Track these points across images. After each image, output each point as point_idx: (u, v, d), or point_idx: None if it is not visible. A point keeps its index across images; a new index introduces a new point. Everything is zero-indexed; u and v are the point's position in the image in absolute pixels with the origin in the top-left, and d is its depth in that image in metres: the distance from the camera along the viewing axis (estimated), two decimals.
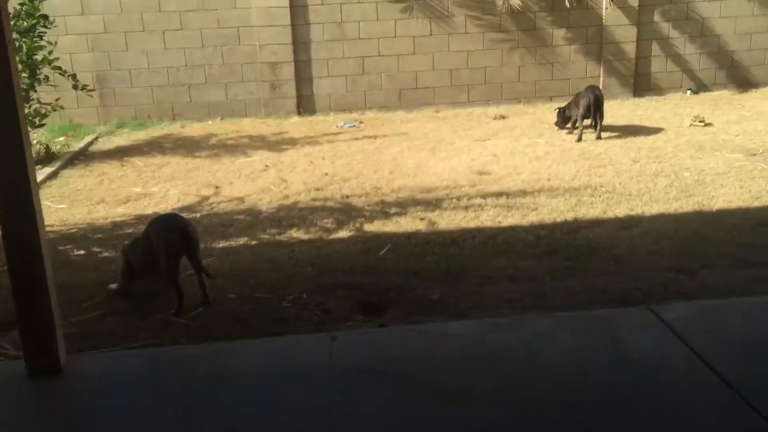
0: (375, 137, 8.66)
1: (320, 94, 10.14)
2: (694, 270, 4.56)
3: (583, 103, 8.05)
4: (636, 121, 9.00)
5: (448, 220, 5.66)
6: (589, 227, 5.41)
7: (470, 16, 10.06)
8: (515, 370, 3.24)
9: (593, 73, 10.45)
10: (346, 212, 5.98)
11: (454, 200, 6.13)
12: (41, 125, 7.97)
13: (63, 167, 7.76)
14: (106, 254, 5.22)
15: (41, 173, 7.34)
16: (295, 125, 9.52)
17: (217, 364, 3.43)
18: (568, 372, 3.20)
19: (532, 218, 5.65)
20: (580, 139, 8.04)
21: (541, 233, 5.31)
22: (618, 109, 9.65)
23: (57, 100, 8.07)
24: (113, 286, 4.49)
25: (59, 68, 7.88)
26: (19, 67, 7.40)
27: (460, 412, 2.91)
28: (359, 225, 5.65)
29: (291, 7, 9.70)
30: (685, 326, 3.50)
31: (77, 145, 8.64)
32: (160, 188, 6.93)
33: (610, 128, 8.44)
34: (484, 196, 6.22)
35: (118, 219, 6.05)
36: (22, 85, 7.41)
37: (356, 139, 8.62)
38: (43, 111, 7.81)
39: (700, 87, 10.73)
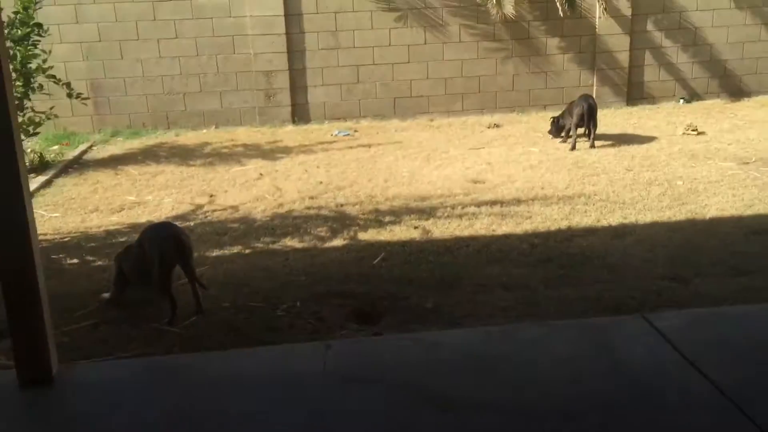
0: (369, 146, 8.67)
1: (315, 103, 10.16)
2: (688, 278, 4.57)
3: (576, 111, 8.08)
4: (629, 130, 9.04)
5: (442, 229, 5.67)
6: (582, 235, 5.43)
7: (464, 25, 10.10)
8: (509, 378, 3.24)
9: (587, 81, 10.49)
10: (340, 221, 5.98)
11: (449, 209, 6.14)
12: (35, 134, 7.95)
13: (57, 176, 7.74)
14: (99, 263, 5.21)
15: (35, 182, 7.33)
16: (290, 134, 9.53)
17: (210, 374, 3.42)
18: (562, 380, 3.19)
19: (526, 226, 5.66)
20: (573, 148, 8.07)
21: (535, 241, 5.32)
22: (611, 118, 9.69)
23: (51, 108, 8.06)
24: (106, 295, 4.48)
25: (53, 77, 7.87)
26: (13, 75, 7.43)
27: (454, 421, 2.90)
28: (353, 233, 5.65)
29: (286, 15, 9.73)
30: (678, 334, 3.51)
31: (71, 154, 8.62)
32: (154, 197, 6.92)
33: (604, 137, 8.47)
34: (479, 204, 6.23)
35: (111, 227, 6.04)
36: (16, 94, 7.46)
37: (351, 147, 8.63)
38: (37, 119, 7.79)
39: (692, 96, 10.79)
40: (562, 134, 8.46)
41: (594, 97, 8.83)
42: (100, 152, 8.87)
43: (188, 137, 9.49)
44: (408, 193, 6.71)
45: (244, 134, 9.56)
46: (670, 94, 10.76)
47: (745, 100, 10.73)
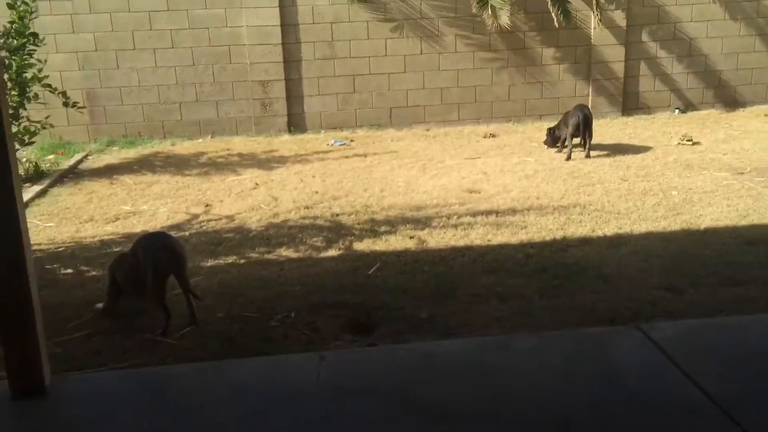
0: (365, 155, 8.68)
1: (311, 113, 10.17)
2: (683, 288, 4.57)
3: (572, 122, 8.10)
4: (625, 140, 9.07)
5: (437, 239, 5.67)
6: (578, 246, 5.43)
7: (460, 35, 10.14)
8: (504, 389, 3.23)
9: (582, 92, 10.53)
10: (335, 230, 5.98)
11: (444, 218, 6.14)
12: (30, 143, 7.95)
13: (52, 185, 7.72)
14: (93, 273, 5.19)
15: (30, 191, 7.32)
16: (286, 143, 9.54)
17: (204, 384, 3.40)
18: (557, 391, 3.19)
19: (521, 236, 5.66)
20: (569, 158, 8.09)
21: (530, 251, 5.32)
22: (607, 128, 9.72)
23: (47, 117, 8.06)
24: (100, 305, 4.46)
25: (49, 86, 7.87)
26: (9, 85, 7.43)
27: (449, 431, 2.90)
28: (349, 243, 5.65)
29: (282, 26, 9.75)
30: (673, 345, 3.51)
31: (67, 163, 8.61)
32: (149, 206, 6.91)
33: (599, 147, 8.50)
34: (474, 214, 6.23)
35: (106, 237, 6.02)
36: (11, 103, 7.46)
37: (346, 157, 8.64)
38: (32, 129, 7.78)
39: (687, 106, 10.83)
40: (558, 144, 8.48)
41: (589, 107, 8.86)
42: (96, 162, 8.86)
43: (184, 147, 9.49)
44: (403, 202, 6.71)
45: (240, 144, 9.57)
46: (665, 105, 10.80)
47: (739, 111, 10.78)
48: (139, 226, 6.30)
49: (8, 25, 7.56)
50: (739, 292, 4.47)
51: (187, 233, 6.04)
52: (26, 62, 7.62)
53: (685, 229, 5.74)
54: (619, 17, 10.31)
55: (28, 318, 3.16)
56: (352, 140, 9.61)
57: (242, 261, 5.36)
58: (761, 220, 5.87)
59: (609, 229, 5.75)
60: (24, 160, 8.05)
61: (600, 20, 9.94)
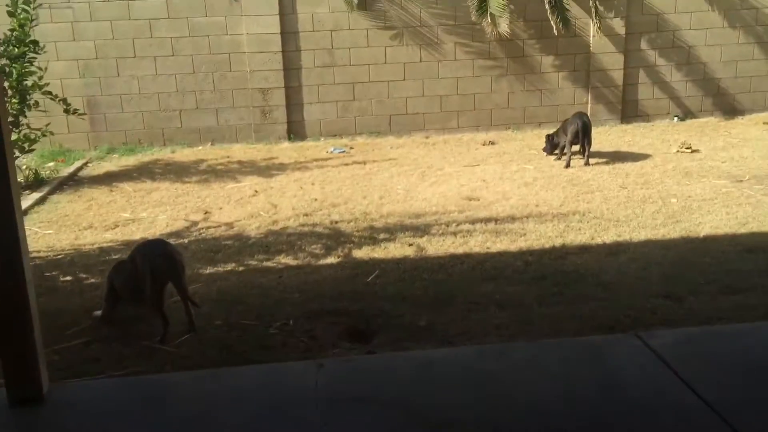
0: (365, 163, 8.69)
1: (311, 120, 10.19)
2: (682, 296, 4.57)
3: (571, 129, 8.12)
4: (624, 148, 9.08)
5: (436, 246, 5.67)
6: (577, 253, 5.43)
7: (459, 43, 10.16)
8: (503, 397, 3.22)
9: (581, 99, 10.55)
10: (334, 238, 5.98)
11: (443, 226, 6.14)
12: (31, 150, 7.95)
13: (52, 192, 7.73)
14: (92, 280, 5.19)
15: (29, 198, 7.33)
16: (285, 151, 9.54)
17: (202, 392, 3.39)
18: (556, 399, 3.18)
19: (520, 244, 5.66)
20: (568, 165, 8.09)
21: (529, 259, 5.32)
22: (606, 136, 9.73)
23: (47, 125, 8.06)
24: (98, 312, 4.45)
25: (50, 93, 7.88)
26: (9, 92, 7.44)
27: None
28: (348, 251, 5.65)
29: (282, 33, 9.78)
30: (672, 353, 3.50)
31: (66, 170, 8.62)
32: (148, 213, 6.91)
33: (598, 154, 8.51)
34: (473, 221, 6.23)
35: (105, 245, 6.02)
36: (12, 111, 7.47)
37: (346, 164, 8.64)
38: (32, 136, 7.79)
39: (686, 114, 10.85)
40: (557, 151, 8.49)
41: (588, 114, 8.88)
42: (96, 169, 8.86)
43: (184, 154, 9.50)
44: (403, 210, 6.71)
45: (239, 151, 9.58)
46: (664, 112, 10.82)
47: (738, 118, 10.79)
48: (138, 233, 6.31)
49: (9, 33, 7.57)
50: (739, 300, 4.47)
51: (186, 240, 6.04)
52: (27, 70, 7.63)
53: (685, 236, 5.74)
54: (618, 25, 10.34)
55: (26, 325, 3.15)
56: (351, 148, 9.62)
57: (241, 268, 5.36)
58: (760, 227, 5.87)
59: (608, 237, 5.75)
60: (24, 167, 8.07)
61: (599, 28, 9.97)
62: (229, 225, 6.47)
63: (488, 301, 4.57)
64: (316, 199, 7.16)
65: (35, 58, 7.77)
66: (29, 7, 7.64)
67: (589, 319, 4.26)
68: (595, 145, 8.47)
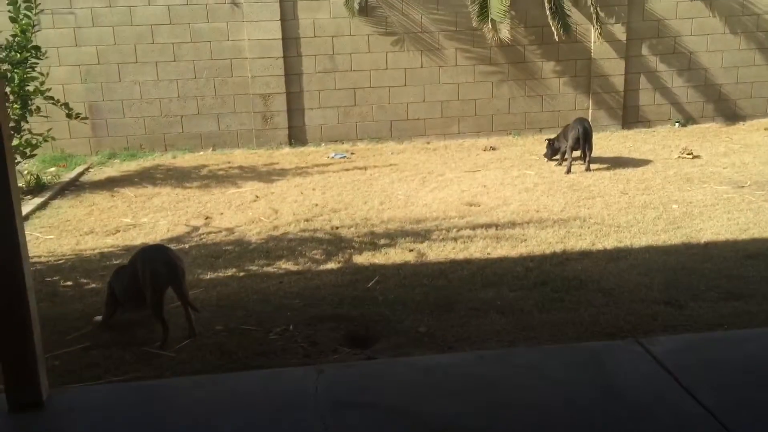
0: (365, 168, 8.69)
1: (312, 125, 10.20)
2: (683, 302, 4.56)
3: (572, 135, 8.12)
4: (625, 153, 9.08)
5: (437, 252, 5.66)
6: (578, 259, 5.42)
7: (460, 49, 10.18)
8: (503, 403, 3.22)
9: (582, 105, 10.56)
10: (335, 243, 5.98)
11: (444, 231, 6.14)
12: (32, 155, 7.96)
13: (53, 197, 7.74)
14: (93, 285, 5.19)
15: (31, 204, 7.33)
16: (286, 156, 9.56)
17: (202, 397, 3.39)
18: (556, 405, 3.17)
19: (521, 250, 5.66)
20: (569, 171, 8.10)
21: (529, 265, 5.32)
22: (607, 141, 9.74)
23: (49, 130, 8.08)
24: (99, 318, 4.46)
25: (52, 98, 7.90)
26: (11, 98, 7.45)
27: None
28: (348, 256, 5.65)
29: (283, 39, 9.80)
30: (672, 359, 3.49)
31: (68, 176, 8.63)
32: (149, 219, 6.92)
33: (599, 160, 8.51)
34: (474, 227, 6.23)
35: (106, 250, 6.03)
36: (13, 116, 7.49)
37: (347, 170, 8.65)
38: (34, 141, 7.80)
39: (688, 120, 10.85)
40: (557, 157, 8.49)
41: (589, 120, 8.89)
42: (97, 174, 8.88)
43: (185, 159, 9.51)
44: (403, 215, 6.71)
45: (240, 156, 9.59)
46: (665, 118, 10.82)
47: (740, 124, 10.79)
48: (139, 238, 6.31)
49: (11, 39, 7.59)
50: (740, 306, 4.46)
51: (187, 246, 6.04)
52: (28, 75, 7.65)
53: (686, 242, 5.73)
54: (619, 31, 10.36)
55: (26, 330, 3.15)
56: (352, 153, 9.63)
57: (241, 274, 5.36)
58: (762, 233, 5.87)
59: (609, 243, 5.75)
60: (25, 172, 8.08)
61: (600, 34, 9.98)
62: (230, 230, 6.47)
63: (489, 307, 4.57)
64: (316, 205, 7.16)
65: (37, 63, 7.79)
66: (31, 12, 7.66)
67: (589, 325, 4.26)
68: (596, 151, 8.47)
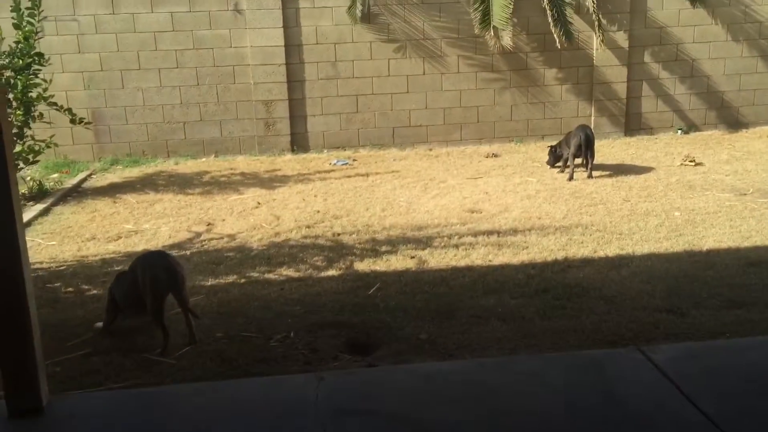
0: (367, 175, 8.70)
1: (314, 132, 10.21)
2: (685, 310, 4.54)
3: (574, 142, 8.12)
4: (627, 160, 9.07)
5: (438, 259, 5.66)
6: (579, 266, 5.41)
7: (463, 56, 10.20)
8: (504, 410, 3.21)
9: (585, 112, 10.56)
10: (336, 250, 5.97)
11: (445, 238, 6.13)
12: (35, 162, 7.97)
13: (55, 204, 7.75)
14: (94, 292, 5.19)
15: (33, 210, 7.35)
16: (289, 163, 9.57)
17: (202, 404, 3.38)
18: (557, 413, 3.16)
19: (522, 257, 5.65)
20: (571, 178, 8.09)
21: (531, 272, 5.31)
22: (609, 148, 9.74)
23: (52, 137, 8.09)
24: (100, 324, 4.45)
25: (55, 104, 7.93)
26: (14, 104, 7.48)
27: None
28: (349, 263, 5.64)
29: (286, 46, 9.83)
30: (674, 367, 3.48)
31: (70, 182, 8.65)
32: (151, 225, 6.92)
33: (602, 167, 8.50)
34: (475, 234, 6.22)
35: (108, 256, 6.03)
36: (16, 122, 7.51)
37: (349, 176, 8.66)
38: (36, 148, 7.82)
39: (690, 127, 10.84)
40: (559, 164, 8.49)
41: (592, 127, 8.89)
42: (100, 180, 8.90)
43: (188, 166, 9.53)
44: (405, 222, 6.71)
45: (243, 163, 9.60)
46: (667, 125, 10.82)
47: (742, 131, 10.79)
48: (140, 244, 6.31)
49: (14, 45, 7.63)
50: (742, 314, 4.44)
51: (188, 252, 6.05)
52: (31, 82, 7.68)
53: (688, 250, 5.72)
54: (621, 38, 10.37)
55: (26, 337, 3.15)
56: (354, 160, 9.64)
57: (243, 280, 5.35)
58: (764, 241, 5.85)
59: (611, 250, 5.74)
60: (28, 178, 8.09)
61: (602, 41, 9.98)
62: (232, 237, 6.47)
63: (490, 314, 4.56)
64: (318, 211, 7.17)
65: (40, 70, 7.82)
66: (34, 20, 7.70)
67: (591, 333, 4.24)
68: (599, 158, 8.47)
